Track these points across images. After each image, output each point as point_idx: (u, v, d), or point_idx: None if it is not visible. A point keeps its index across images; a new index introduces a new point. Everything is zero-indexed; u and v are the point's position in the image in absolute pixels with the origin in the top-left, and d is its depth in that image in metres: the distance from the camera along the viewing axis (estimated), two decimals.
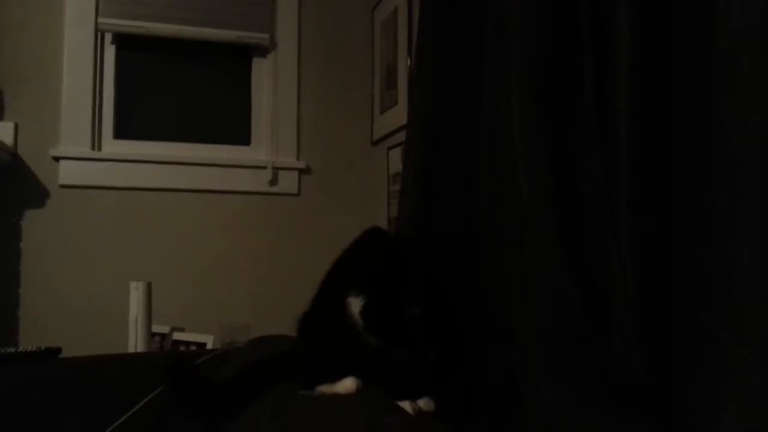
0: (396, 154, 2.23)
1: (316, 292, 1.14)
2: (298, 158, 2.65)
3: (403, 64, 2.18)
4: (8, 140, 2.29)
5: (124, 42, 2.55)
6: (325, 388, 1.02)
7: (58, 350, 1.49)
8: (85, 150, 2.41)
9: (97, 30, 2.44)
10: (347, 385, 1.00)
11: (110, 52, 2.52)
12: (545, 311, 0.87)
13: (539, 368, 0.84)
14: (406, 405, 0.93)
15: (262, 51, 2.68)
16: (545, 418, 0.82)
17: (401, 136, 2.11)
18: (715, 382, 0.64)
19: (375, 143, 2.50)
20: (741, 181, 0.65)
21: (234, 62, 2.72)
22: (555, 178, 0.89)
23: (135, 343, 1.83)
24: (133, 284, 1.87)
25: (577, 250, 0.85)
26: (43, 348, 1.47)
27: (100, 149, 2.46)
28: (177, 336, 2.34)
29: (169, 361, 1.23)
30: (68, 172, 2.38)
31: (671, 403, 0.70)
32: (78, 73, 2.42)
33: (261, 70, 2.70)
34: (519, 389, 0.91)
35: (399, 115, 2.18)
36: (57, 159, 2.37)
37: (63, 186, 2.38)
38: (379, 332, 0.93)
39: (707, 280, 0.67)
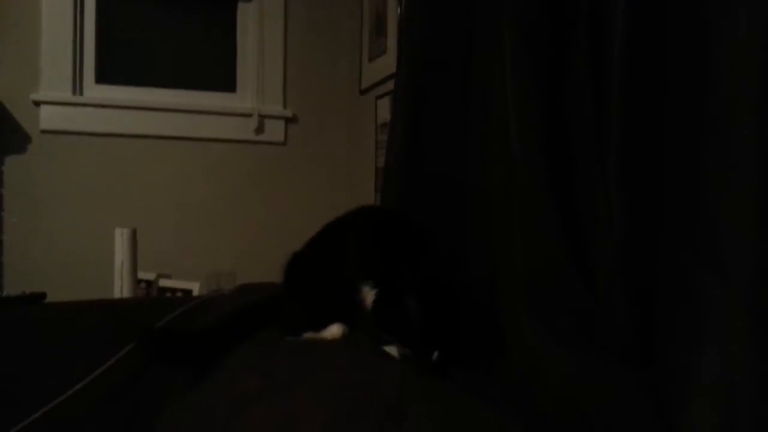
0: (384, 104, 2.20)
1: (309, 244, 1.13)
2: (284, 106, 2.61)
3: (393, 11, 2.14)
4: None
5: None
6: (310, 335, 1.03)
7: (43, 295, 1.48)
8: (66, 95, 2.35)
9: None
10: (333, 331, 1.01)
11: None
12: (531, 256, 0.87)
13: (522, 311, 0.85)
14: (392, 350, 0.94)
15: None
16: (526, 358, 0.84)
17: (390, 85, 2.08)
18: (696, 326, 0.65)
19: (363, 92, 2.47)
20: (733, 131, 0.65)
21: (219, 6, 2.64)
22: (546, 123, 0.88)
23: (121, 289, 1.83)
24: (117, 231, 1.85)
25: (566, 196, 0.85)
26: (27, 293, 1.47)
27: (81, 94, 2.40)
28: (163, 283, 2.34)
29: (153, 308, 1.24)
30: (49, 117, 2.34)
31: (652, 346, 0.71)
32: (58, 15, 2.34)
33: (246, 16, 2.63)
34: (503, 336, 0.92)
35: (388, 63, 2.14)
36: (37, 104, 2.32)
37: (44, 131, 2.33)
38: (386, 328, 0.94)
39: (694, 226, 0.67)
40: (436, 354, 0.88)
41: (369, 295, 0.94)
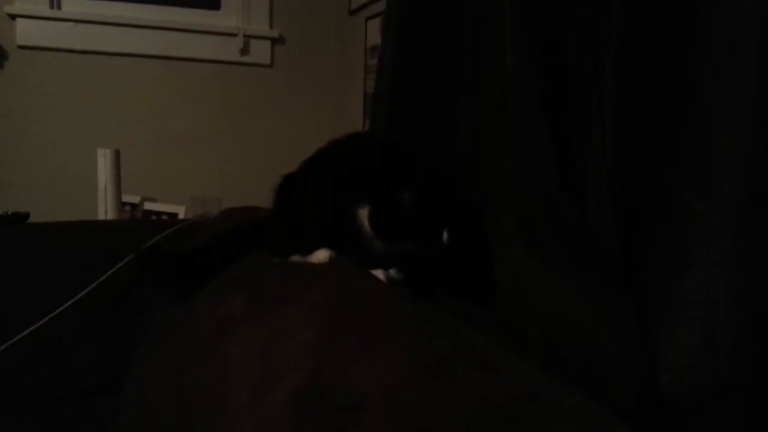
0: (375, 25, 2.13)
1: (302, 168, 1.10)
2: (270, 26, 2.52)
3: None
4: None
5: None
6: (298, 258, 1.03)
7: (26, 215, 1.46)
8: (43, 8, 2.25)
9: None
10: (320, 255, 1.00)
11: None
12: (522, 178, 0.86)
13: (511, 235, 0.85)
14: (378, 273, 0.94)
15: None
16: (513, 278, 0.84)
17: (381, 6, 2.01)
18: (683, 249, 0.65)
19: (353, 12, 2.39)
20: (730, 53, 0.63)
21: None
22: (542, 42, 0.86)
23: (105, 211, 1.81)
24: (100, 151, 1.82)
25: (558, 121, 0.84)
26: (9, 213, 1.45)
27: (59, 7, 2.30)
28: (148, 206, 2.32)
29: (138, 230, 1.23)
30: (26, 32, 2.24)
31: (639, 268, 0.72)
32: None
33: None
34: (491, 260, 0.93)
35: None
36: (13, 17, 2.22)
37: (21, 47, 2.24)
38: (387, 236, 0.93)
39: (684, 149, 0.67)
40: (445, 235, 0.89)
41: (365, 215, 0.93)
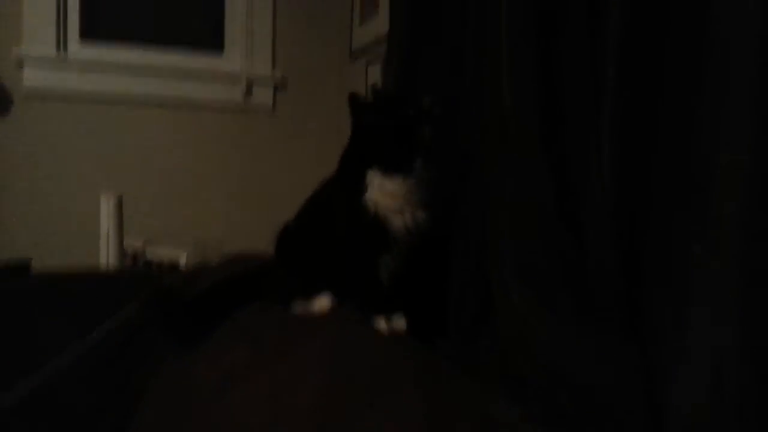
0: (375, 71, 2.16)
1: (303, 207, 1.12)
2: (273, 67, 2.56)
3: None
4: None
5: None
6: (300, 305, 1.03)
7: (28, 263, 1.47)
8: (50, 52, 2.29)
9: None
10: (322, 303, 1.01)
11: None
12: (521, 215, 0.86)
13: (511, 275, 0.85)
14: (380, 322, 0.94)
15: None
16: (516, 327, 0.83)
17: (381, 50, 2.04)
18: (686, 294, 0.65)
19: (354, 56, 2.43)
20: (728, 94, 0.64)
21: None
22: (541, 78, 0.87)
23: (107, 257, 1.81)
24: (103, 197, 1.83)
25: (558, 154, 0.84)
26: (12, 260, 1.45)
27: (65, 50, 2.33)
28: (150, 251, 2.32)
29: (140, 279, 1.23)
30: (32, 77, 2.28)
31: (640, 312, 0.71)
32: None
33: None
34: (491, 303, 0.92)
35: (379, 25, 2.10)
36: (20, 61, 2.26)
37: (27, 91, 2.28)
38: (399, 162, 0.96)
39: (686, 197, 0.67)
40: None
41: (373, 175, 0.96)
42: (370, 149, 0.99)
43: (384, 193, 0.96)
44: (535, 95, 0.88)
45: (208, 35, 2.57)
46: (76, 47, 2.37)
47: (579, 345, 0.76)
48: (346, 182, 1.03)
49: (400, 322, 0.97)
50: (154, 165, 2.44)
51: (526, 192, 0.87)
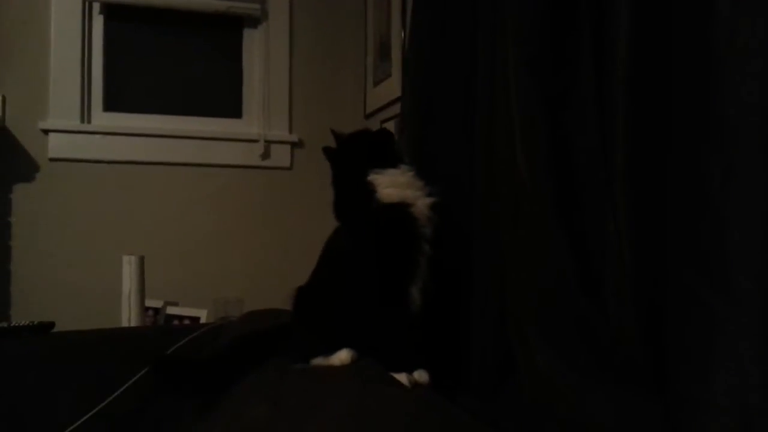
0: (389, 128, 2.21)
1: (312, 274, 1.14)
2: (290, 131, 2.63)
3: (397, 35, 2.16)
4: None
5: (113, 12, 2.49)
6: (319, 361, 1.03)
7: (52, 324, 1.48)
8: (75, 123, 2.37)
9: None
10: (342, 357, 1.00)
11: (98, 23, 2.47)
12: (541, 284, 0.87)
13: (535, 340, 0.84)
14: (402, 377, 0.93)
15: (254, 22, 2.64)
16: (540, 388, 0.83)
17: (395, 109, 2.09)
18: (707, 349, 0.64)
19: (368, 117, 2.48)
20: (738, 153, 0.65)
21: (225, 33, 2.67)
22: (551, 150, 0.89)
23: (128, 317, 1.83)
24: (125, 258, 1.86)
25: (573, 223, 0.85)
26: (36, 322, 1.47)
27: (89, 122, 2.42)
28: (170, 310, 2.34)
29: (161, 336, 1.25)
30: (57, 145, 2.35)
31: (664, 370, 0.70)
32: (66, 43, 2.37)
33: (252, 42, 2.66)
34: (513, 361, 0.92)
35: (392, 87, 2.16)
36: (46, 132, 2.34)
37: (52, 159, 2.35)
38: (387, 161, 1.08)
39: (701, 249, 0.67)
40: None
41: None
42: (358, 162, 1.11)
43: (393, 180, 1.02)
44: (549, 172, 0.90)
45: (226, 104, 2.64)
46: (99, 118, 2.45)
47: (603, 404, 0.75)
48: (350, 202, 1.13)
49: (423, 375, 0.96)
50: (174, 225, 2.48)
51: (542, 257, 0.88)
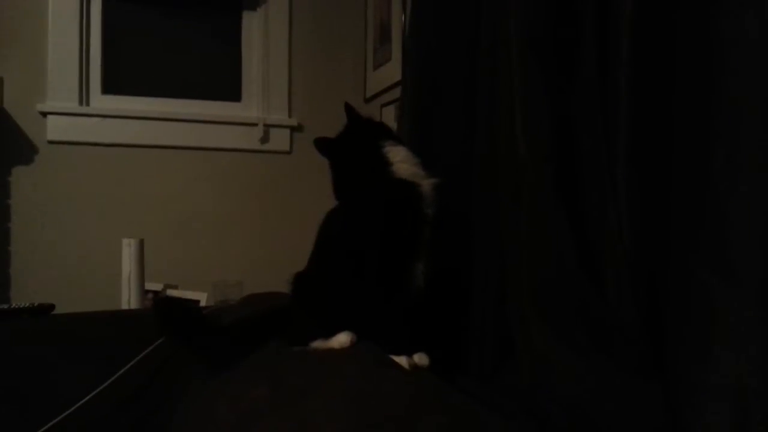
0: (389, 112, 2.20)
1: (310, 258, 1.13)
2: (289, 115, 2.62)
3: (397, 18, 2.14)
4: None
5: None
6: (319, 344, 1.03)
7: (52, 307, 1.49)
8: (73, 105, 2.37)
9: None
10: (341, 339, 1.00)
11: (97, 5, 2.46)
12: (541, 265, 0.87)
13: (534, 321, 0.85)
14: (401, 360, 0.93)
15: (253, 4, 2.62)
16: (540, 369, 0.83)
17: (395, 93, 2.08)
18: (707, 331, 0.64)
19: (368, 100, 2.47)
20: (740, 136, 0.64)
21: (224, 16, 2.66)
22: (553, 131, 0.88)
23: (128, 300, 1.83)
24: (125, 241, 1.86)
25: (574, 204, 0.85)
26: (36, 304, 1.47)
27: (88, 104, 2.41)
28: (170, 293, 2.34)
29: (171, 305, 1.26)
30: (56, 128, 2.35)
31: (663, 350, 0.71)
32: (64, 26, 2.36)
33: (251, 25, 2.64)
34: (513, 343, 0.92)
35: (393, 71, 2.15)
36: (44, 114, 2.33)
37: (51, 142, 2.34)
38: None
39: (702, 233, 0.67)
40: None
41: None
42: (371, 135, 1.15)
43: (406, 156, 1.05)
44: (550, 152, 0.89)
45: (226, 87, 2.64)
46: (98, 100, 2.44)
47: (602, 385, 0.75)
48: (358, 176, 1.14)
49: (423, 358, 0.96)
50: (174, 208, 2.48)
51: (543, 240, 0.88)
